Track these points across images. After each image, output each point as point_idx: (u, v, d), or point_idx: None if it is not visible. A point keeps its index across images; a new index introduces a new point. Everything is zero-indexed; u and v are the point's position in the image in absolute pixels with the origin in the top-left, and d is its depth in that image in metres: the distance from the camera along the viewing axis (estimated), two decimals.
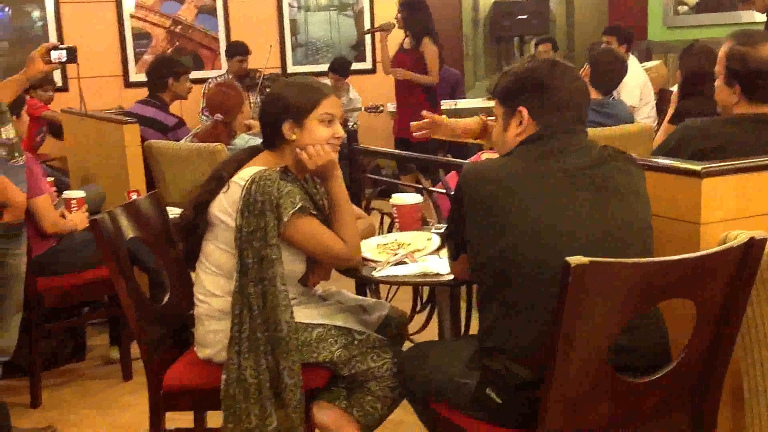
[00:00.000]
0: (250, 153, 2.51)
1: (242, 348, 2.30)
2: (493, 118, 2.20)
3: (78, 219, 3.71)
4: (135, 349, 3.70)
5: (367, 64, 8.03)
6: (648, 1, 8.20)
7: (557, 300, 1.68)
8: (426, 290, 3.55)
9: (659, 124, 4.97)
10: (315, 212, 2.37)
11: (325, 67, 7.29)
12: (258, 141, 4.02)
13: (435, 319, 3.23)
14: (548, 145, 1.99)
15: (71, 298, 3.79)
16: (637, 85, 5.53)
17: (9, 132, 2.77)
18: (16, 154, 2.79)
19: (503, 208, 1.92)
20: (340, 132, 2.44)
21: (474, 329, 3.00)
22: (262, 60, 6.83)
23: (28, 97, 4.41)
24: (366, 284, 3.58)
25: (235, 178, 2.36)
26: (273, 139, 2.43)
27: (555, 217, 1.90)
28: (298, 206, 2.28)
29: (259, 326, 2.29)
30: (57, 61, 3.24)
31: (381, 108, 6.82)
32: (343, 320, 2.44)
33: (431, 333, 3.28)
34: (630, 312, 1.77)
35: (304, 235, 2.32)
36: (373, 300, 2.73)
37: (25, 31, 6.80)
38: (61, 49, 3.26)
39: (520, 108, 2.04)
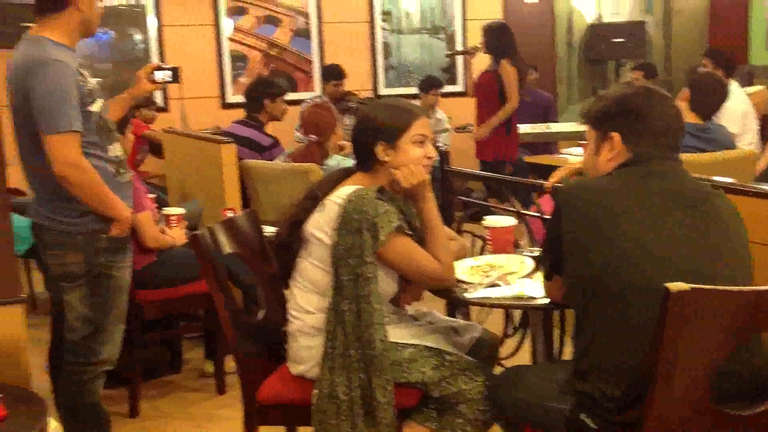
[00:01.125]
0: (344, 173, 2.54)
1: (335, 365, 2.33)
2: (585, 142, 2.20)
3: (177, 235, 3.81)
4: (229, 364, 3.81)
5: (459, 87, 8.05)
6: (749, 24, 7.99)
7: (656, 325, 1.66)
8: (518, 314, 3.51)
9: (762, 150, 4.82)
10: (410, 232, 2.39)
11: (417, 90, 7.36)
12: (350, 162, 4.07)
13: (526, 344, 3.20)
14: (645, 168, 1.99)
15: (169, 310, 3.91)
16: (739, 111, 5.36)
17: (116, 150, 2.86)
18: (123, 171, 2.88)
19: (600, 225, 1.92)
20: (433, 152, 2.46)
21: (567, 356, 2.96)
22: (356, 82, 6.92)
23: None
24: (456, 306, 3.57)
25: (331, 197, 2.40)
26: (366, 161, 2.47)
27: (653, 237, 1.89)
28: (395, 225, 2.30)
29: (352, 344, 2.31)
30: (162, 80, 3.29)
31: (470, 127, 6.86)
32: (434, 341, 2.44)
33: (522, 358, 3.25)
34: (732, 340, 1.73)
35: (400, 255, 2.34)
36: (465, 322, 2.73)
37: (128, 53, 7.07)
38: (166, 69, 3.32)
39: (613, 134, 2.05)
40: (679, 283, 1.63)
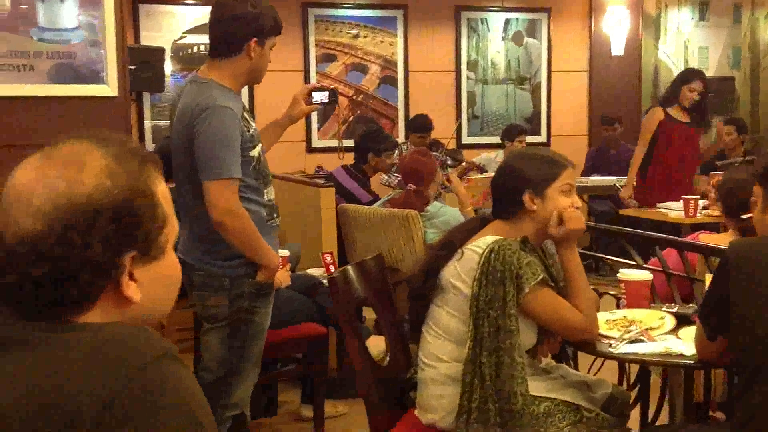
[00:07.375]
0: (480, 222, 2.52)
1: (471, 418, 2.28)
2: None
3: (282, 276, 3.80)
4: (328, 408, 3.77)
5: (542, 137, 8.02)
6: None
7: None
8: (635, 371, 3.42)
9: None
10: (552, 284, 2.35)
11: (498, 139, 7.33)
12: (451, 210, 4.04)
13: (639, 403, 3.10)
14: None
15: (270, 353, 3.88)
16: None
17: (271, 193, 2.84)
18: (275, 216, 2.85)
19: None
20: (578, 202, 2.43)
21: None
22: (438, 130, 6.93)
23: None
24: (563, 359, 3.48)
25: (470, 246, 2.37)
26: (509, 209, 2.44)
27: None
28: (540, 277, 2.26)
29: (490, 397, 2.26)
30: (319, 102, 3.11)
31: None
32: (571, 396, 2.38)
33: (635, 417, 3.14)
34: None
35: (544, 307, 2.30)
36: (595, 377, 2.66)
37: None
38: (324, 90, 3.15)
39: None
40: None
